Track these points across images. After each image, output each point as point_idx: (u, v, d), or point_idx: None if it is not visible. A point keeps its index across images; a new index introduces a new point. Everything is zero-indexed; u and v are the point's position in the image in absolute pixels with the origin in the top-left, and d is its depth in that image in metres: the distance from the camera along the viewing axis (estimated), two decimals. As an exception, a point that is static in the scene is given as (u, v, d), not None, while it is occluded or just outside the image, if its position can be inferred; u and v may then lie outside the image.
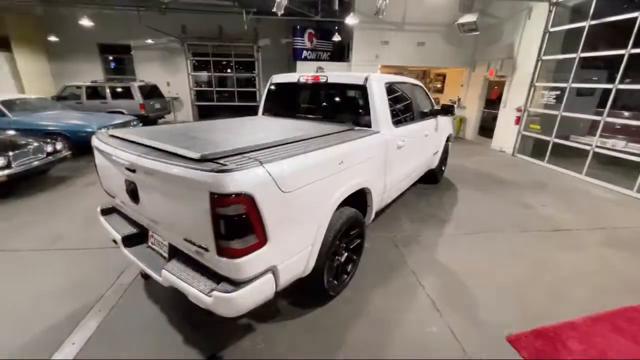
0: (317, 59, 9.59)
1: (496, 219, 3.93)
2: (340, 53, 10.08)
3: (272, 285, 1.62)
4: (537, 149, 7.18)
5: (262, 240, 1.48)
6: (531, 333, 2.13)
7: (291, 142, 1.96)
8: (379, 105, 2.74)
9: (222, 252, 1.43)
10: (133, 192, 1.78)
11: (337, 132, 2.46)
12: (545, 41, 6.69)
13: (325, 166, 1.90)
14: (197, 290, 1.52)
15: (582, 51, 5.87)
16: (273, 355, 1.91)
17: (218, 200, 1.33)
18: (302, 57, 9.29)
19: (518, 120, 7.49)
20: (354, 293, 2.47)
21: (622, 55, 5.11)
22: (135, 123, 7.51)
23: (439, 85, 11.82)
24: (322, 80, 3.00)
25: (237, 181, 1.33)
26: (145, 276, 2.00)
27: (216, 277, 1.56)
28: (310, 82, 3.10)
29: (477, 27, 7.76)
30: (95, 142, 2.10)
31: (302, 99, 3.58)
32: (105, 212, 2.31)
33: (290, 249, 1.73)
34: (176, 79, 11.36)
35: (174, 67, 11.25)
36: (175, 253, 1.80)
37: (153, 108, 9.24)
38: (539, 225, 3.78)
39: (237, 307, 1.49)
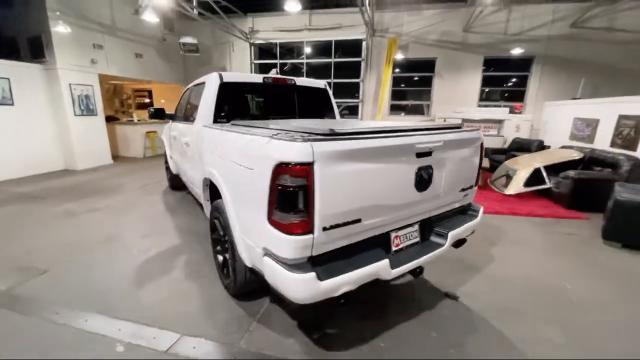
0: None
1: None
2: (9, 50, 6.25)
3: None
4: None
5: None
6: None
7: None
8: (334, 102, 3.66)
9: (477, 182, 2.26)
10: (426, 180, 1.72)
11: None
12: (254, 68, 9.40)
13: None
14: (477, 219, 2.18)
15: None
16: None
17: (481, 145, 2.20)
18: None
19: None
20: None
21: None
22: None
23: (147, 101, 11.14)
24: (290, 82, 3.20)
25: None
26: (417, 273, 1.85)
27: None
28: (276, 84, 3.13)
29: (198, 50, 8.76)
30: (326, 146, 1.33)
31: (267, 101, 3.15)
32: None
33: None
34: None
35: None
36: (428, 227, 2.01)
37: None
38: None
39: None
